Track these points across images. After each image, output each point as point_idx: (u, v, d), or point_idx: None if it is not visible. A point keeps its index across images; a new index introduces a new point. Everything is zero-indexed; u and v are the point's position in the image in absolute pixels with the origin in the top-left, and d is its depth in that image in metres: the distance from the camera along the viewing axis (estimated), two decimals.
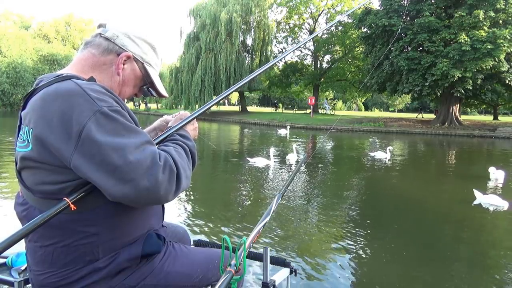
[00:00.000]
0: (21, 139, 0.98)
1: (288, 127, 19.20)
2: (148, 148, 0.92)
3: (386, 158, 10.27)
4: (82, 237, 0.97)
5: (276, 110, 44.02)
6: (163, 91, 1.23)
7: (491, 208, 5.23)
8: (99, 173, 0.87)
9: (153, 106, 53.82)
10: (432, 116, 33.83)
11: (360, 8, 25.04)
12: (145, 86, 1.19)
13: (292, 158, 9.81)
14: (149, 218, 1.12)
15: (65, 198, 0.90)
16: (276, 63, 40.74)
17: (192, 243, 1.59)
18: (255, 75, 1.54)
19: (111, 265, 1.01)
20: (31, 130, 0.92)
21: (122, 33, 1.09)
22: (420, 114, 37.47)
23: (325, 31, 37.86)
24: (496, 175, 6.86)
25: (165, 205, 1.19)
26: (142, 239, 1.07)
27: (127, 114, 0.97)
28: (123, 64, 1.09)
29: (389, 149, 10.34)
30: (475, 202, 5.47)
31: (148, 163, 0.89)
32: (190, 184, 1.08)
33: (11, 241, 0.82)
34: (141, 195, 0.89)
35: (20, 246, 1.37)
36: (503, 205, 5.21)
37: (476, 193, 5.54)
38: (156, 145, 1.04)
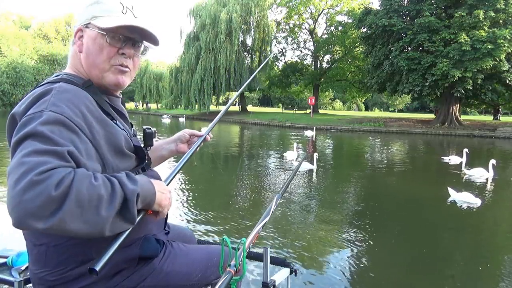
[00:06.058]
0: None
1: (314, 128, 19.03)
2: (45, 158, 0.78)
3: (462, 162, 9.13)
4: (72, 237, 0.94)
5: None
6: (136, 22, 1.04)
7: (465, 205, 5.36)
8: None
9: (153, 106, 53.86)
10: (432, 116, 33.81)
11: (360, 8, 25.05)
12: (123, 40, 1.05)
13: (290, 155, 9.79)
14: (147, 224, 1.09)
15: None
16: (276, 63, 40.83)
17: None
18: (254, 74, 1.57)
19: (107, 266, 1.00)
20: None
21: (79, 14, 1.06)
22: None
23: (325, 31, 37.95)
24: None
25: None
26: (139, 242, 1.06)
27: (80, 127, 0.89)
28: (79, 39, 1.05)
29: (465, 152, 9.13)
30: (449, 200, 5.60)
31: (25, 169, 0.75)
32: (95, 231, 0.80)
33: None
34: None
35: (20, 246, 1.37)
36: (476, 202, 5.37)
37: (450, 190, 5.69)
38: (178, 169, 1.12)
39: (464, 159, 9.15)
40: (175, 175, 1.13)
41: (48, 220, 0.73)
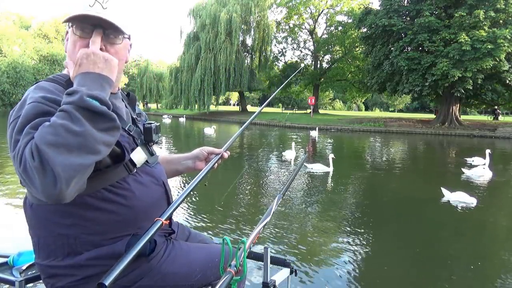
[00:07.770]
0: None
1: (317, 128, 19.08)
2: (16, 148, 0.83)
3: (485, 163, 8.48)
4: (58, 228, 0.98)
5: (496, 120, 31.41)
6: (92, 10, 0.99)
7: (459, 205, 5.36)
8: None
9: (153, 106, 53.77)
10: (432, 116, 33.81)
11: (360, 8, 25.07)
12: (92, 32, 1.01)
13: (289, 155, 9.78)
14: (140, 221, 1.06)
15: None
16: (276, 63, 40.83)
17: None
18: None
19: (94, 263, 0.99)
20: None
21: None
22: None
23: (325, 31, 37.95)
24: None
25: None
26: (126, 239, 1.02)
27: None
28: (67, 41, 1.09)
29: (488, 153, 8.63)
30: (443, 200, 5.59)
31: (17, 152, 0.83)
32: (92, 159, 0.81)
33: None
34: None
35: (21, 245, 1.37)
36: (471, 201, 5.38)
37: (444, 191, 5.68)
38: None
39: (487, 161, 8.80)
40: (190, 192, 1.11)
41: (58, 182, 0.77)
